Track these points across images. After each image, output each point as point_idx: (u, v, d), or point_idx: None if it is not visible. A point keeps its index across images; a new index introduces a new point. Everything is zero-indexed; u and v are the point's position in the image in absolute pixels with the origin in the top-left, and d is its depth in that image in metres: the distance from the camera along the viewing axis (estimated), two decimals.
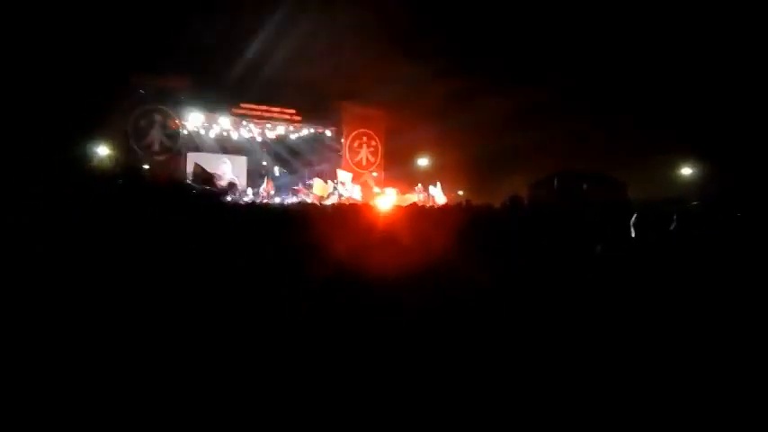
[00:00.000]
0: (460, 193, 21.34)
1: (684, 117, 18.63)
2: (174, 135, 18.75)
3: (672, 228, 5.15)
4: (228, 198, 16.01)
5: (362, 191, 20.81)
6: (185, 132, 19.67)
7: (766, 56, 17.05)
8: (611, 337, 3.51)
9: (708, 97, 18.16)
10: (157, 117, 18.09)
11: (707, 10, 17.74)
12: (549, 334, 3.50)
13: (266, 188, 19.83)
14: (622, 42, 19.24)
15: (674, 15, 18.54)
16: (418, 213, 8.07)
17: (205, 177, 16.96)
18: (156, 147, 18.05)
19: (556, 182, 6.99)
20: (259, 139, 21.77)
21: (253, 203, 15.26)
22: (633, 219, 5.38)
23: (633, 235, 5.33)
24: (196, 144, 20.32)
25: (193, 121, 19.63)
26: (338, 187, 20.13)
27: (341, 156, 22.04)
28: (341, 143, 22.08)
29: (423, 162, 23.95)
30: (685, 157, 21.12)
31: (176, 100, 18.66)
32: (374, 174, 22.60)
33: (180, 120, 19.08)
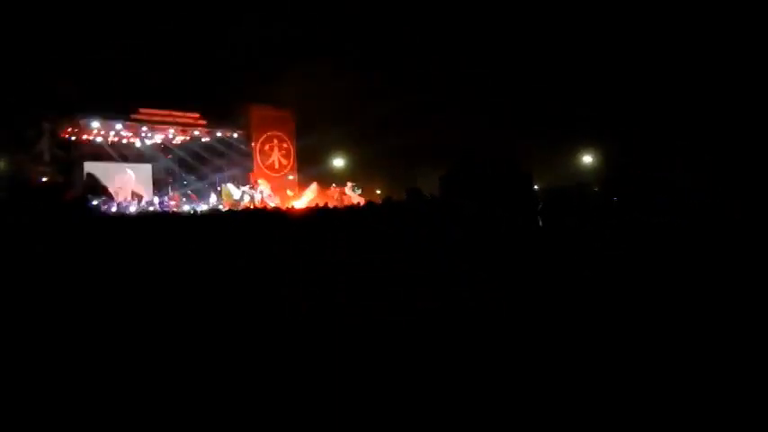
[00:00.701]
0: (378, 192, 21.19)
1: (585, 107, 19.43)
2: (65, 145, 17.39)
3: (574, 215, 5.34)
4: (106, 207, 15.15)
5: (279, 195, 20.30)
6: (81, 141, 18.37)
7: (662, 42, 17.95)
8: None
9: (606, 87, 19.01)
10: (46, 125, 16.65)
11: None
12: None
13: (173, 198, 18.98)
14: (524, 33, 19.85)
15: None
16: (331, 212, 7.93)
17: (97, 188, 15.99)
18: (47, 157, 16.59)
19: (463, 174, 7.02)
20: (163, 145, 20.79)
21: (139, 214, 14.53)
22: (539, 207, 5.47)
23: (540, 223, 5.40)
24: (93, 153, 19.05)
25: (89, 128, 18.30)
26: (250, 192, 19.49)
27: (252, 159, 21.28)
28: (251, 147, 21.32)
29: (338, 162, 23.66)
30: (586, 145, 22.14)
31: (68, 106, 17.18)
32: (290, 177, 22.03)
33: (73, 128, 17.74)
